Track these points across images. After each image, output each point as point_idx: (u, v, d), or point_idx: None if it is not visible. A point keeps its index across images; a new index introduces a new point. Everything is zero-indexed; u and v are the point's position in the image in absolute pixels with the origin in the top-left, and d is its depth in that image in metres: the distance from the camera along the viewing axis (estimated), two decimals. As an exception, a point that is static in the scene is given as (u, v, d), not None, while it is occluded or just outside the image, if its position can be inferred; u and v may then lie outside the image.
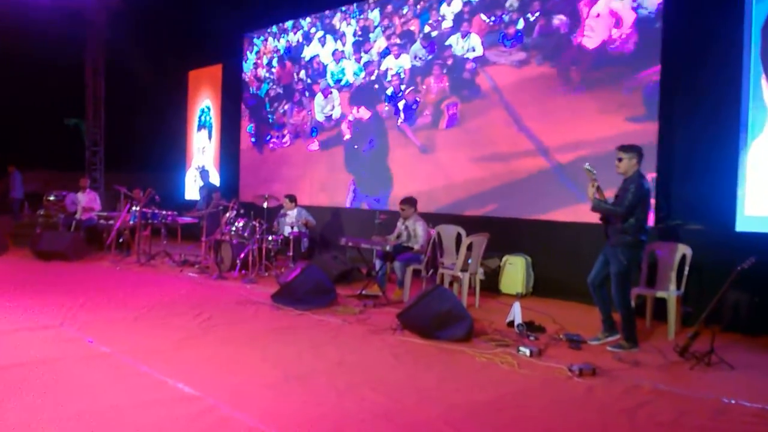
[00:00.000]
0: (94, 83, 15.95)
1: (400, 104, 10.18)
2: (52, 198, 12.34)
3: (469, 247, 7.37)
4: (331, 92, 11.50)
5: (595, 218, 5.82)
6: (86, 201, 11.90)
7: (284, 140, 12.53)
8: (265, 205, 9.43)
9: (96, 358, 4.90)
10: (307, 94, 12.00)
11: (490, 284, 8.19)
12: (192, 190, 14.72)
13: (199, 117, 15.13)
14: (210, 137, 14.78)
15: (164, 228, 11.00)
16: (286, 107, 12.46)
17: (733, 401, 4.25)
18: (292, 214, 9.93)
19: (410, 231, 7.89)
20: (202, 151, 14.99)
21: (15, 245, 11.73)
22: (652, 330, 6.29)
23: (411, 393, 4.28)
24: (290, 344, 5.46)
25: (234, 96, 13.85)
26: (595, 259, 5.86)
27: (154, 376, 4.46)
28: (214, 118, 14.65)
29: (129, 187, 11.19)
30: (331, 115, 11.50)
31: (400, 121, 10.17)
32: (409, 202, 7.98)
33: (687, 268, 6.21)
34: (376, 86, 10.61)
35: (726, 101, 6.49)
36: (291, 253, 9.35)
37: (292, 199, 10.05)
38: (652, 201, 6.08)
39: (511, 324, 6.18)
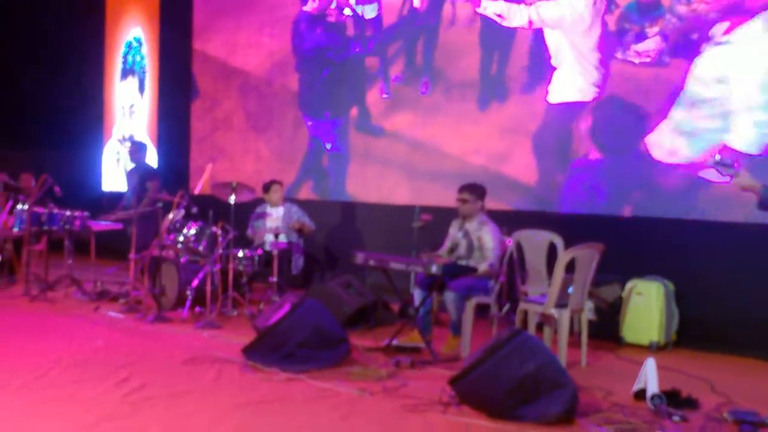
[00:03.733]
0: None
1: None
2: None
3: (571, 267, 7.33)
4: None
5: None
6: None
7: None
8: (232, 199, 9.47)
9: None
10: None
11: (606, 328, 8.19)
12: (114, 177, 14.84)
13: (124, 56, 15.28)
14: (142, 89, 14.89)
15: (69, 238, 11.07)
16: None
17: None
18: (278, 213, 9.96)
19: (473, 239, 7.88)
20: (130, 112, 15.11)
21: None
22: None
23: None
24: (274, 431, 5.47)
25: (181, 20, 13.97)
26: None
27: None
28: (148, 58, 14.76)
29: (12, 174, 11.29)
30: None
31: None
32: (474, 190, 7.95)
33: None
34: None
35: None
36: (275, 279, 9.38)
37: (277, 189, 10.08)
38: None
39: (641, 394, 6.13)
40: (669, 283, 8.20)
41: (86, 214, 10.88)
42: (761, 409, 5.75)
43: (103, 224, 11.06)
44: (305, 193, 11.70)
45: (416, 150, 10.55)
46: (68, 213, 10.67)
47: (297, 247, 9.90)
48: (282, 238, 9.72)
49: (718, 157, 5.61)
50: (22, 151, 15.10)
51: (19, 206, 10.78)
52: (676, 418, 5.71)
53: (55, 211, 10.64)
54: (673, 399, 5.97)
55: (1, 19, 16.14)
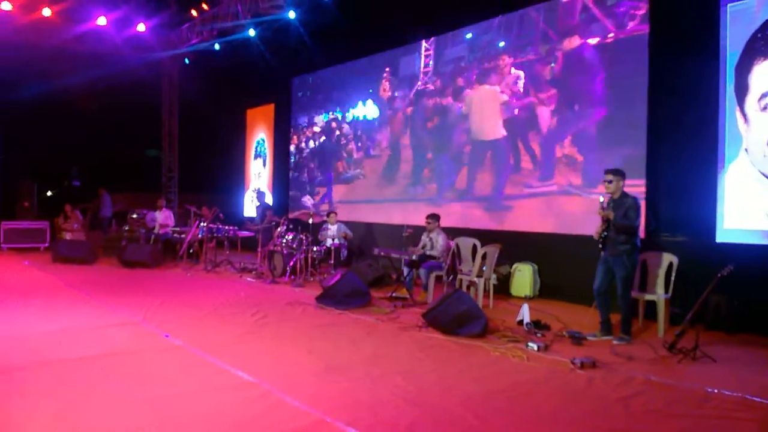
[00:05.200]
0: (169, 121, 16.33)
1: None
2: (134, 216, 12.59)
3: (484, 256, 7.31)
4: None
5: (588, 231, 5.75)
6: (163, 218, 12.07)
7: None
8: (310, 221, 9.48)
9: (171, 350, 4.96)
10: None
11: (502, 288, 8.07)
12: (249, 209, 14.86)
13: (256, 147, 15.30)
14: (264, 164, 14.93)
15: (227, 240, 11.09)
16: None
17: (716, 390, 4.13)
18: (334, 228, 9.96)
19: (433, 242, 7.86)
20: (258, 176, 15.14)
21: (104, 255, 11.97)
22: (644, 328, 6.14)
23: (434, 382, 4.25)
24: (332, 339, 5.46)
25: (283, 130, 13.97)
26: (590, 267, 5.77)
27: (218, 366, 4.49)
28: (267, 149, 14.80)
29: (198, 206, 11.33)
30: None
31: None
32: (434, 216, 7.96)
33: (674, 275, 6.07)
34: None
35: (706, 131, 6.35)
36: (332, 261, 9.36)
37: (333, 215, 10.09)
38: (643, 217, 6.00)
39: (520, 323, 6.09)
40: (535, 265, 8.12)
41: (236, 227, 10.93)
42: (584, 330, 5.71)
43: (244, 233, 11.09)
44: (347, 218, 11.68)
45: (407, 202, 10.58)
46: (227, 227, 10.71)
47: (344, 246, 9.86)
48: (336, 241, 9.72)
49: (601, 198, 5.66)
50: (204, 194, 15.13)
51: (202, 224, 10.80)
52: (538, 335, 5.69)
53: (220, 226, 10.67)
54: (537, 324, 5.94)
55: (193, 126, 16.26)
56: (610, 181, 5.61)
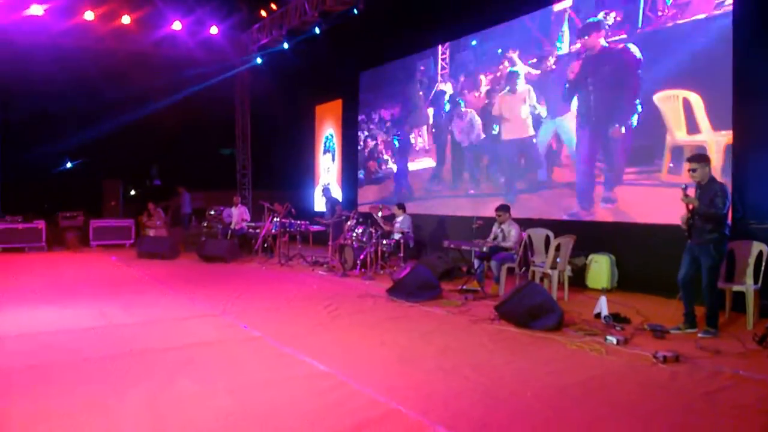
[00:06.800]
0: (242, 120, 16.87)
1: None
2: (212, 212, 13.14)
3: (557, 248, 7.16)
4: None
5: (671, 220, 5.50)
6: (238, 214, 12.50)
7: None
8: (379, 214, 9.58)
9: (249, 341, 5.15)
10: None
11: (577, 280, 7.89)
12: (319, 203, 15.14)
13: (324, 143, 15.57)
14: (333, 159, 15.17)
15: (299, 235, 11.36)
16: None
17: (814, 388, 3.88)
18: (401, 220, 10.00)
19: (505, 233, 7.78)
20: (327, 171, 15.40)
21: (185, 251, 12.55)
22: (732, 321, 5.84)
23: (508, 375, 4.22)
24: (403, 331, 5.51)
25: (351, 125, 14.15)
26: (672, 257, 5.53)
27: (294, 356, 4.63)
28: (336, 144, 15.04)
29: (271, 202, 11.64)
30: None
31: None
32: (504, 208, 7.87)
33: (764, 264, 5.73)
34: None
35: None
36: (402, 254, 9.42)
37: (401, 206, 10.14)
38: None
39: (598, 315, 5.93)
40: (612, 256, 7.87)
41: (307, 222, 11.16)
42: (665, 323, 5.51)
43: (315, 227, 11.32)
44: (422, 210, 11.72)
45: (476, 198, 10.50)
46: (298, 222, 10.96)
47: (409, 237, 9.83)
48: (406, 232, 9.75)
49: (684, 184, 5.44)
50: (276, 190, 15.50)
51: (275, 219, 11.09)
52: (618, 328, 5.53)
53: (292, 221, 10.92)
54: (615, 318, 5.77)
55: (265, 124, 16.73)
56: (695, 170, 5.35)
